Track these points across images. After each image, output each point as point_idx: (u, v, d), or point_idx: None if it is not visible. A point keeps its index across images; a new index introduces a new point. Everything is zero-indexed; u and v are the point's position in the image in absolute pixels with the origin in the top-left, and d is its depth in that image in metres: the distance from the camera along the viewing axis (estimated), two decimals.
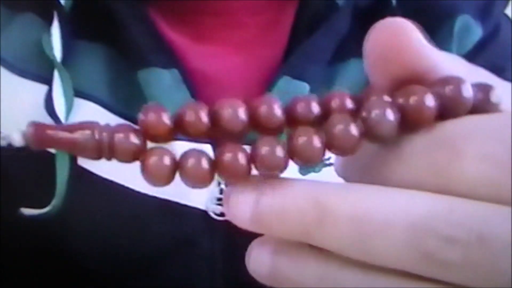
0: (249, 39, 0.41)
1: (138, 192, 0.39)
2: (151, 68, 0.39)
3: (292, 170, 0.38)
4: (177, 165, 0.17)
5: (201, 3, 0.41)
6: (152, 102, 0.36)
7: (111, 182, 0.39)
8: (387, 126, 0.17)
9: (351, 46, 0.41)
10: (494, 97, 0.17)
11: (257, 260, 0.18)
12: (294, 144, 0.17)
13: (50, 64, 0.38)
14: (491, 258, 0.15)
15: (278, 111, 0.18)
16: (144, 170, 0.17)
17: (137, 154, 0.17)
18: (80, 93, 0.39)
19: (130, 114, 0.39)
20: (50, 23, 0.39)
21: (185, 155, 0.17)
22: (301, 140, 0.17)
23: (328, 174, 0.40)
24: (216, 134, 0.18)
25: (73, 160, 0.38)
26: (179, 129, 0.18)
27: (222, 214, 0.39)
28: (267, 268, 0.18)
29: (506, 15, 0.47)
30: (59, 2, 0.39)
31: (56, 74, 0.38)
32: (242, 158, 0.17)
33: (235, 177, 0.17)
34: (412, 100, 0.17)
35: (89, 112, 0.39)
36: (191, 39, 0.41)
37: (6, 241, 0.39)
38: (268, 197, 0.17)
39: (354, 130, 0.17)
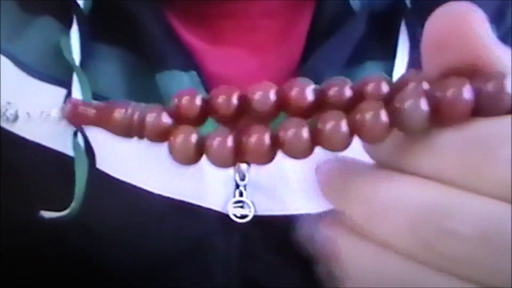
0: (266, 42, 0.41)
1: (156, 194, 0.39)
2: (169, 70, 0.39)
3: (305, 175, 0.39)
4: (203, 144, 0.17)
5: (218, 6, 0.41)
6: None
7: (129, 184, 0.39)
8: (419, 117, 0.16)
9: (366, 49, 0.41)
10: None
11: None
12: (320, 129, 0.17)
13: (68, 68, 0.38)
14: (494, 255, 0.15)
15: (310, 94, 0.18)
16: (171, 148, 0.17)
17: (167, 134, 0.18)
18: (98, 96, 0.39)
19: None
20: (69, 26, 0.39)
21: (212, 134, 0.17)
22: (328, 125, 0.17)
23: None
24: (247, 116, 0.18)
25: (91, 163, 0.38)
26: (211, 112, 0.18)
27: (242, 217, 0.39)
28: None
29: None
30: (78, 6, 0.39)
31: (74, 77, 0.38)
32: (267, 139, 0.17)
33: (260, 159, 0.17)
34: (449, 93, 0.16)
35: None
36: (209, 42, 0.41)
37: (25, 243, 0.40)
38: None
39: (384, 118, 0.16)
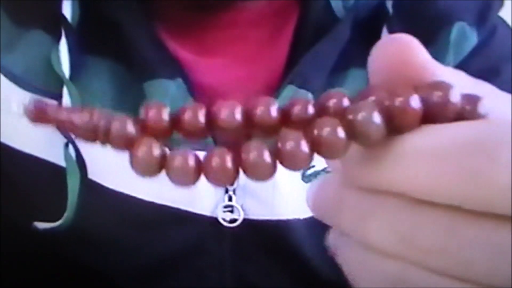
0: (252, 51, 0.42)
1: (147, 201, 0.40)
2: (157, 79, 0.40)
3: (293, 179, 0.39)
4: (165, 159, 0.18)
5: (204, 17, 0.42)
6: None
7: (121, 193, 0.40)
8: (373, 127, 0.17)
9: (351, 55, 0.42)
10: (482, 108, 0.17)
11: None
12: (281, 149, 0.17)
13: (58, 80, 0.39)
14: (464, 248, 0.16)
15: (274, 112, 0.18)
16: (132, 158, 0.18)
17: (131, 144, 0.18)
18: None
19: None
20: (58, 39, 0.40)
21: (174, 152, 0.18)
22: (288, 145, 0.17)
23: None
24: (213, 133, 0.18)
25: (83, 173, 0.39)
26: (177, 127, 0.18)
27: (231, 221, 0.40)
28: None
29: (501, 18, 0.49)
30: (66, 18, 0.40)
31: (65, 89, 0.39)
32: (229, 162, 0.17)
33: (220, 181, 0.18)
34: (398, 101, 0.17)
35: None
36: (196, 53, 0.42)
37: (21, 252, 0.40)
38: None
39: (340, 132, 0.17)
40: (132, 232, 0.40)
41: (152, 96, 0.39)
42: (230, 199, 0.39)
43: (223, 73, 0.42)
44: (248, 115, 0.18)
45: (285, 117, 0.18)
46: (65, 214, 0.38)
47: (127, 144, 0.18)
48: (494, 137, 0.16)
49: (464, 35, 0.43)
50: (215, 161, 0.17)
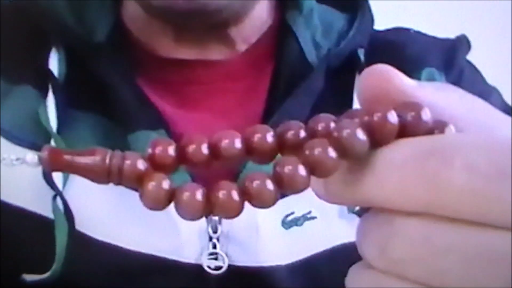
0: (231, 103, 0.44)
1: (133, 251, 0.40)
2: (140, 131, 0.41)
3: (274, 225, 0.40)
4: (174, 194, 0.19)
5: (183, 73, 0.44)
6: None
7: (108, 243, 0.40)
8: (358, 142, 0.18)
9: (324, 105, 0.43)
10: (449, 132, 0.18)
11: None
12: (280, 174, 0.18)
13: (46, 134, 0.40)
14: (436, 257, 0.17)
15: (270, 138, 0.19)
16: (142, 192, 0.19)
17: (141, 179, 0.19)
18: None
19: None
20: (45, 94, 0.41)
21: (183, 186, 0.19)
22: (287, 169, 0.18)
23: (310, 227, 0.42)
24: (216, 163, 0.19)
25: (71, 225, 0.39)
26: (183, 160, 0.19)
27: (216, 268, 0.40)
28: None
29: (468, 61, 0.51)
30: (53, 74, 0.42)
31: (52, 143, 0.40)
32: (235, 195, 0.18)
33: (229, 213, 0.19)
34: (376, 116, 0.18)
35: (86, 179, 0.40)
36: (176, 106, 0.44)
37: None
38: None
39: (331, 151, 0.18)
40: (120, 282, 0.41)
41: (136, 147, 0.40)
42: (214, 246, 0.40)
43: (202, 125, 0.43)
44: (246, 143, 0.19)
45: (280, 142, 0.20)
46: (53, 266, 0.38)
47: (138, 181, 0.19)
48: (450, 144, 0.17)
49: (433, 80, 0.45)
50: (222, 194, 0.18)
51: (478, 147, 0.17)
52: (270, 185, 0.18)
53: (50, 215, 0.40)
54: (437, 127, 0.18)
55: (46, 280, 0.39)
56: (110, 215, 0.40)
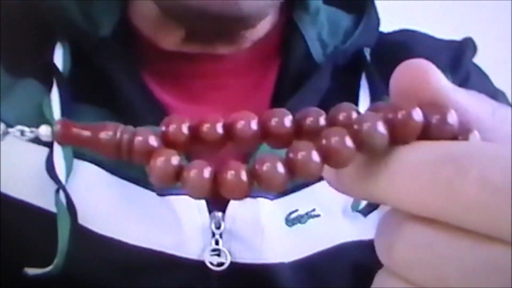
0: (236, 99, 0.44)
1: (136, 246, 0.40)
2: (144, 125, 0.41)
3: (277, 223, 0.40)
4: (182, 171, 0.18)
5: (189, 67, 0.44)
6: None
7: (110, 238, 0.40)
8: (378, 137, 0.17)
9: (331, 102, 0.43)
10: (473, 138, 0.18)
11: None
12: (293, 159, 0.18)
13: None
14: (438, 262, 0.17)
15: (288, 123, 0.19)
16: (151, 167, 0.18)
17: (152, 155, 0.19)
18: (79, 155, 0.41)
19: (127, 174, 0.41)
20: (50, 88, 0.41)
21: (191, 164, 0.18)
22: (300, 155, 0.18)
23: (313, 225, 0.42)
24: (230, 144, 0.19)
25: (73, 219, 0.39)
26: (196, 140, 0.19)
27: (219, 264, 0.40)
28: None
29: (474, 64, 0.51)
30: (58, 69, 0.42)
31: None
32: (243, 176, 0.18)
33: (235, 194, 0.18)
34: (401, 114, 0.18)
35: (89, 173, 0.41)
36: (181, 100, 0.43)
37: None
38: None
39: (348, 141, 0.17)
40: (121, 277, 0.41)
41: None
42: (217, 242, 0.40)
43: None
44: (263, 126, 0.19)
45: (298, 128, 0.19)
46: (55, 260, 0.38)
47: (148, 156, 0.18)
48: (467, 153, 0.17)
49: None
50: (230, 174, 0.18)
51: (496, 160, 0.16)
52: (281, 168, 0.18)
53: (53, 208, 0.40)
54: (462, 132, 0.18)
55: (48, 274, 0.39)
56: (113, 209, 0.40)
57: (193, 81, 0.44)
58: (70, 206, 0.39)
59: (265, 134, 0.19)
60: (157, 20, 0.43)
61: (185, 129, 0.19)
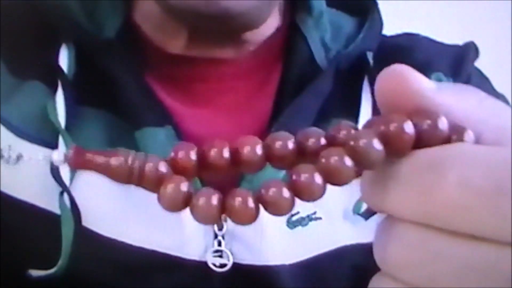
0: (239, 102, 0.44)
1: (139, 248, 0.41)
2: (147, 127, 0.41)
3: (278, 225, 0.40)
4: (191, 198, 0.19)
5: (192, 70, 0.44)
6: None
7: (113, 240, 0.40)
8: (374, 152, 0.18)
9: (332, 107, 0.44)
10: (468, 137, 0.18)
11: None
12: (297, 182, 0.18)
13: (54, 129, 0.40)
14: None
15: (291, 145, 0.20)
16: (161, 194, 0.19)
17: (162, 182, 0.19)
18: None
19: None
20: (54, 90, 0.41)
21: (200, 191, 0.19)
22: (303, 177, 0.18)
23: (314, 228, 0.42)
24: (236, 169, 0.20)
25: (77, 221, 0.40)
26: (204, 166, 0.20)
27: (221, 266, 0.41)
28: None
29: (476, 68, 0.51)
30: (63, 71, 0.42)
31: (60, 139, 0.40)
32: (250, 203, 0.19)
33: (244, 220, 0.19)
34: (393, 127, 0.18)
35: (92, 175, 0.41)
36: (184, 103, 0.44)
37: None
38: None
39: (347, 160, 0.18)
40: (124, 279, 0.41)
41: (142, 144, 0.41)
42: (219, 244, 0.40)
43: (210, 123, 0.44)
44: (267, 149, 0.20)
45: (300, 149, 0.20)
46: (59, 262, 0.39)
47: (159, 183, 0.19)
48: (447, 157, 0.17)
49: None
50: (237, 201, 0.19)
51: (475, 161, 0.17)
52: (286, 193, 0.19)
53: (57, 210, 0.40)
54: (455, 132, 0.18)
55: (52, 276, 0.39)
56: (116, 211, 0.41)
57: (196, 85, 0.44)
58: (74, 208, 0.40)
59: (269, 157, 0.20)
60: (160, 21, 0.43)
61: (193, 155, 0.20)
